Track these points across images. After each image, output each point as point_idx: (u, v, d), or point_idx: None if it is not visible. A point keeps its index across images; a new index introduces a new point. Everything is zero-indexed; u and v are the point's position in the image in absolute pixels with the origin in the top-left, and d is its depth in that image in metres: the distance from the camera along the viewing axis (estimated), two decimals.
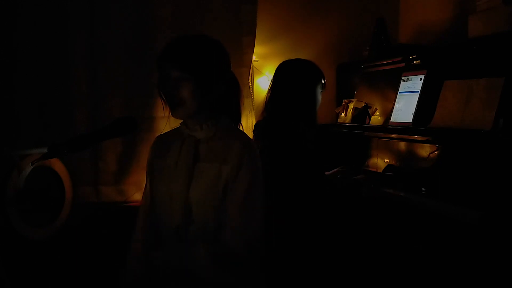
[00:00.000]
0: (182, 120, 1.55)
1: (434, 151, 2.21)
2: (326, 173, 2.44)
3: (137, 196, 2.70)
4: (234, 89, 1.61)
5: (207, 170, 1.47)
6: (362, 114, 2.85)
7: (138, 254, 1.55)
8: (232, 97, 1.60)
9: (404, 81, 2.55)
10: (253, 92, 3.06)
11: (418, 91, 2.41)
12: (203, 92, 1.45)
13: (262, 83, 3.13)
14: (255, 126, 2.33)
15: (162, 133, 1.68)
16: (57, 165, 2.29)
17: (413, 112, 2.39)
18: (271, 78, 2.35)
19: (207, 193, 1.46)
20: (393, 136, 2.55)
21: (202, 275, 1.42)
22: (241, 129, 1.63)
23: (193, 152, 1.49)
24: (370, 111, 2.84)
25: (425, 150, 2.28)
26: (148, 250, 1.54)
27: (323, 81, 2.29)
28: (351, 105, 2.95)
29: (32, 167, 1.94)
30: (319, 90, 2.27)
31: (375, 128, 2.75)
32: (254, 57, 3.01)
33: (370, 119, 2.83)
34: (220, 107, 1.54)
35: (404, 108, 2.48)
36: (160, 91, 1.48)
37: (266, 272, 1.55)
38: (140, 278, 1.53)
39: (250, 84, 3.02)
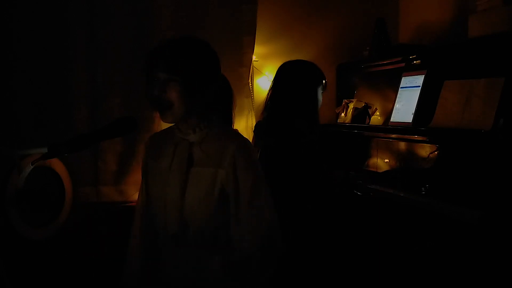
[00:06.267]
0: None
1: (434, 151, 2.21)
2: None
3: (137, 196, 2.69)
4: (226, 93, 1.59)
5: (202, 175, 1.44)
6: (362, 114, 2.86)
7: (137, 254, 1.55)
8: (224, 101, 1.57)
9: (404, 81, 2.55)
10: (253, 92, 3.06)
11: (418, 91, 2.41)
12: (192, 95, 1.41)
13: (262, 83, 3.13)
14: (256, 125, 2.35)
15: (155, 132, 1.67)
16: (57, 165, 2.28)
17: (413, 112, 2.39)
18: (271, 78, 2.36)
19: (202, 199, 1.43)
20: (393, 136, 2.54)
21: (213, 284, 1.41)
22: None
23: (187, 157, 1.45)
24: (370, 111, 2.84)
25: (425, 150, 2.28)
26: (146, 250, 1.54)
27: (324, 82, 2.31)
28: (351, 105, 2.95)
29: (32, 167, 1.93)
30: (320, 90, 2.29)
31: (375, 128, 2.75)
32: (254, 57, 3.01)
33: (370, 119, 2.83)
34: (211, 110, 1.50)
35: (404, 108, 2.48)
36: (148, 95, 1.43)
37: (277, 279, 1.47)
38: (139, 277, 1.53)
39: (250, 84, 3.02)
